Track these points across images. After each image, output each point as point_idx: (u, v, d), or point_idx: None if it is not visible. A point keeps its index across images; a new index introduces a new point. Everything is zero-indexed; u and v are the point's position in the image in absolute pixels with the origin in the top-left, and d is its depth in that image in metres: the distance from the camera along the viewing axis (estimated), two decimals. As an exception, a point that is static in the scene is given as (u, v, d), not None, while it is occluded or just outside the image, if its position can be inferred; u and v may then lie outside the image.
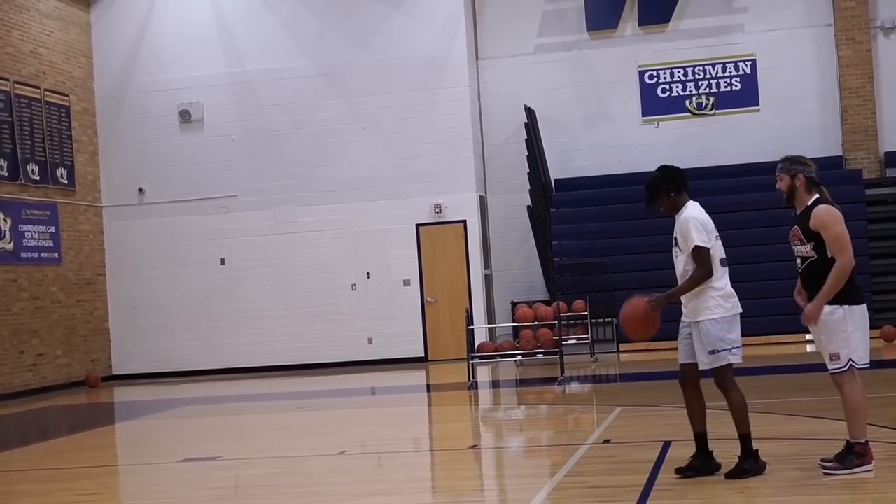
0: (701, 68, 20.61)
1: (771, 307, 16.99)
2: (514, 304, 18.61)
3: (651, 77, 20.77)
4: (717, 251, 7.18)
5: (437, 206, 20.23)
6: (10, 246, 18.45)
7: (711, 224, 7.21)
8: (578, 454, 8.74)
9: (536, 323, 15.98)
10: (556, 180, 20.78)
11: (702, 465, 7.22)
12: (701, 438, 7.25)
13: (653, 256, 16.82)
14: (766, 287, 17.44)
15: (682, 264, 7.21)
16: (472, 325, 15.88)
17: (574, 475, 7.90)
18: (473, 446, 10.36)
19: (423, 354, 20.22)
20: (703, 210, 7.28)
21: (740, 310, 7.19)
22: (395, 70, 20.43)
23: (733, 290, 7.20)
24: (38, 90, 19.51)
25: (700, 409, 7.26)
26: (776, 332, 18.03)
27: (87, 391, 19.51)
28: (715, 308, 7.09)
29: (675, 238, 7.27)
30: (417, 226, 20.32)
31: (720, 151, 20.35)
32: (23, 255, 18.77)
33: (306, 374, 19.65)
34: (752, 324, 16.48)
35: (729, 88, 20.54)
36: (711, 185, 18.87)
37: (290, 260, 20.64)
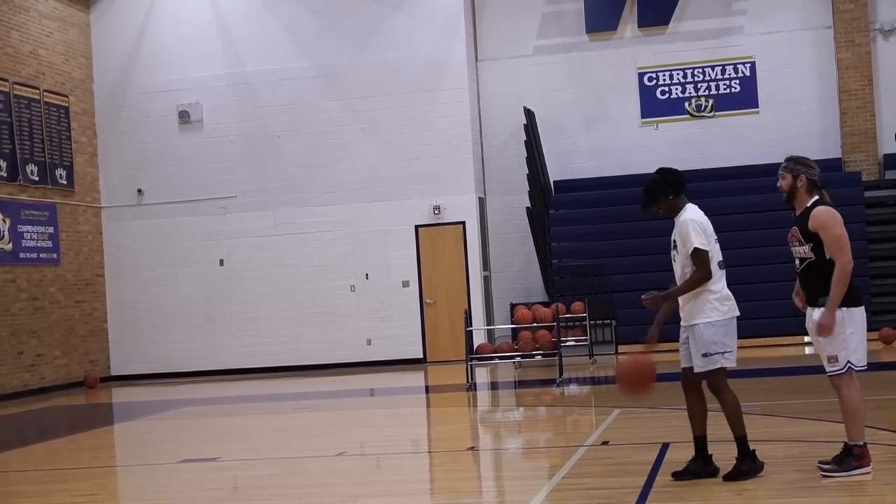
0: (700, 70, 20.63)
1: (770, 309, 16.99)
2: (512, 306, 18.62)
3: (650, 79, 20.78)
4: (716, 254, 7.19)
5: (437, 208, 20.23)
6: (9, 246, 18.45)
7: (710, 227, 7.22)
8: (577, 456, 8.74)
9: (535, 324, 15.97)
10: (555, 182, 20.78)
11: (700, 468, 7.23)
12: (700, 442, 7.26)
13: (652, 258, 16.83)
14: (765, 289, 17.46)
15: (680, 266, 7.23)
16: (471, 326, 15.87)
17: (572, 477, 7.90)
18: (472, 448, 10.36)
19: (421, 356, 20.23)
20: (701, 213, 7.29)
21: (737, 313, 7.19)
22: (395, 71, 20.44)
23: (730, 294, 7.20)
24: (38, 91, 19.51)
25: (701, 412, 7.27)
26: (776, 333, 18.05)
27: (85, 392, 19.51)
28: (710, 311, 7.10)
29: (674, 241, 7.28)
30: (416, 227, 20.33)
31: (719, 153, 20.36)
32: (21, 255, 18.76)
33: (305, 375, 19.64)
34: (751, 326, 16.54)
35: (728, 90, 20.55)
36: (711, 188, 18.89)
37: (289, 261, 20.64)
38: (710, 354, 7.07)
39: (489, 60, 21.16)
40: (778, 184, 7.17)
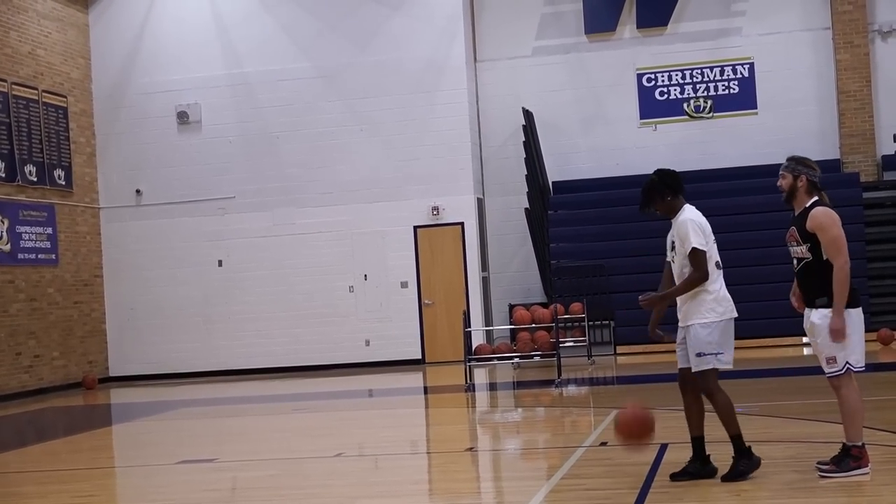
0: (699, 71, 20.64)
1: (769, 310, 16.99)
2: (511, 307, 18.63)
3: (649, 80, 20.79)
4: (713, 254, 7.20)
5: (435, 209, 20.23)
6: (8, 247, 18.44)
7: (709, 227, 7.24)
8: (575, 457, 8.75)
9: (534, 325, 15.98)
10: (553, 183, 20.79)
11: (698, 469, 7.23)
12: (698, 443, 7.26)
13: (650, 259, 16.82)
14: (763, 290, 17.45)
15: (679, 266, 7.24)
16: (470, 327, 15.87)
17: (571, 478, 7.91)
18: (470, 448, 10.37)
19: (420, 356, 20.23)
20: (699, 213, 7.30)
21: (734, 314, 7.19)
22: (394, 72, 20.44)
23: (728, 295, 7.21)
24: (36, 91, 19.51)
25: (698, 413, 7.27)
26: (774, 334, 18.06)
27: (83, 393, 19.50)
28: (707, 312, 7.11)
29: (672, 242, 7.29)
30: (415, 228, 20.33)
31: (718, 154, 20.36)
32: (20, 256, 18.76)
33: (304, 376, 19.64)
34: (750, 326, 16.59)
35: (727, 91, 20.56)
36: (709, 188, 18.91)
37: (287, 262, 20.64)
38: (704, 355, 7.09)
39: (488, 61, 21.16)
40: (778, 183, 7.19)
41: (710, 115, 20.61)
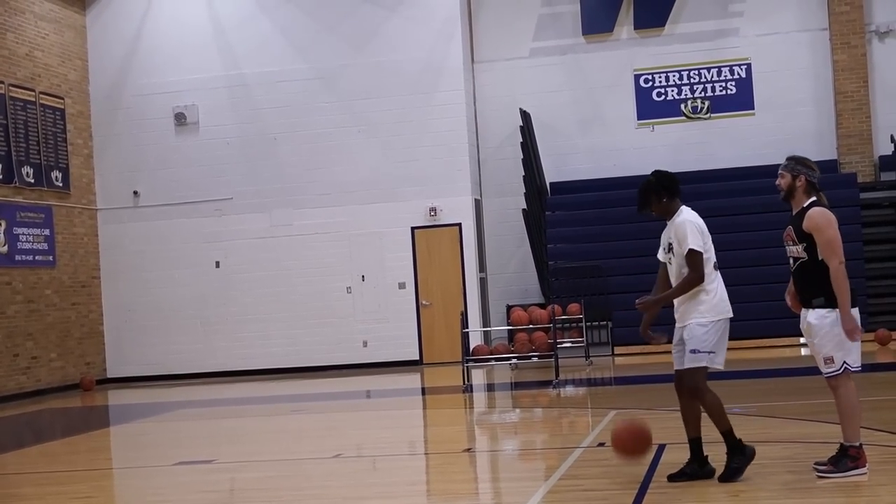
0: (696, 72, 20.65)
1: (767, 310, 17.00)
2: (509, 308, 18.62)
3: (646, 81, 20.80)
4: (711, 255, 7.21)
5: (433, 210, 20.24)
6: (5, 249, 18.44)
7: (706, 228, 7.24)
8: (573, 457, 8.75)
9: (531, 326, 15.98)
10: (551, 184, 20.79)
11: (695, 471, 7.23)
12: (696, 444, 7.26)
13: (648, 260, 16.71)
14: (761, 290, 17.46)
15: (677, 268, 7.24)
16: (467, 328, 15.87)
17: (569, 478, 7.91)
18: (468, 449, 10.38)
19: (417, 357, 20.23)
20: (697, 215, 7.30)
21: (730, 315, 7.21)
22: (392, 73, 20.44)
23: (726, 295, 7.22)
24: (34, 93, 19.50)
25: (695, 415, 7.27)
26: (772, 335, 18.05)
27: (81, 394, 19.49)
28: (706, 312, 7.12)
29: (669, 243, 7.29)
30: (413, 229, 20.33)
31: (716, 155, 20.38)
32: (17, 257, 18.75)
33: (302, 377, 19.64)
34: (748, 327, 16.61)
35: (724, 92, 20.57)
36: (707, 189, 18.92)
37: (285, 263, 20.64)
38: (699, 352, 7.10)
39: (485, 62, 21.17)
40: (777, 182, 7.20)
41: (708, 115, 20.62)
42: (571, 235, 20.14)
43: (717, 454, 7.29)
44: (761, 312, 17.19)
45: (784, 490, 6.87)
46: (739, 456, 7.12)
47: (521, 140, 20.22)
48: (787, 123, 20.15)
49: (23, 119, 19.09)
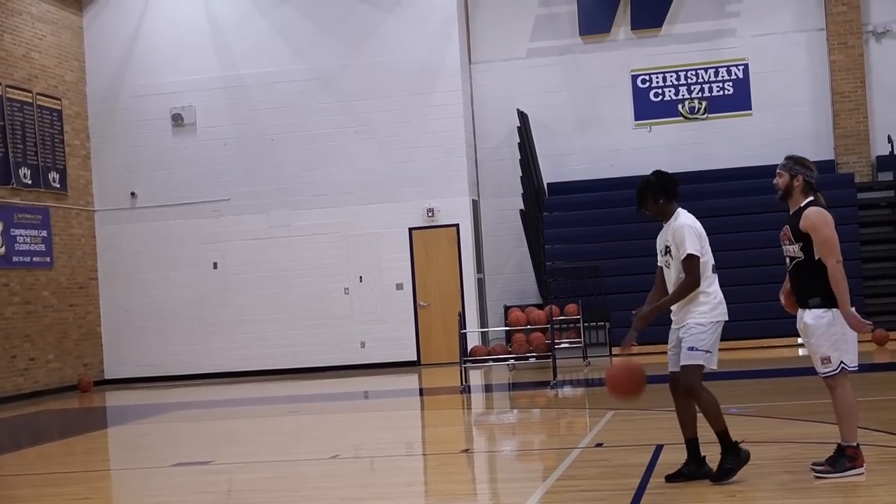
0: (693, 72, 20.66)
1: (765, 311, 16.94)
2: (506, 308, 18.62)
3: (644, 81, 20.81)
4: (709, 258, 7.20)
5: (430, 210, 20.24)
6: (2, 250, 18.42)
7: (704, 232, 7.24)
8: (571, 458, 8.75)
9: (529, 327, 15.97)
10: (548, 184, 20.80)
11: (693, 471, 7.23)
12: (692, 445, 7.26)
13: (646, 260, 16.73)
14: (759, 291, 17.43)
15: (675, 272, 7.22)
16: (465, 328, 15.86)
17: (566, 479, 7.91)
18: (466, 450, 10.38)
19: (415, 358, 20.23)
20: (694, 218, 7.30)
21: (726, 317, 7.21)
22: (389, 74, 20.44)
23: (723, 298, 7.22)
24: (31, 94, 19.49)
25: (691, 416, 7.27)
26: (770, 335, 18.03)
27: (79, 395, 19.48)
28: (704, 312, 7.12)
29: (667, 246, 7.28)
30: (410, 230, 20.33)
31: (713, 155, 20.39)
32: (14, 259, 18.73)
33: (299, 378, 19.63)
34: (746, 327, 16.61)
35: (721, 93, 20.58)
36: (704, 189, 18.93)
37: (283, 264, 20.63)
38: (696, 350, 7.09)
39: (483, 63, 21.17)
40: (775, 181, 7.21)
41: (705, 116, 20.64)
42: (569, 236, 20.15)
43: (714, 455, 7.28)
44: (759, 313, 17.16)
45: (781, 490, 6.87)
46: (733, 457, 7.12)
47: (518, 140, 20.22)
48: (784, 124, 20.16)
49: (20, 120, 19.08)
